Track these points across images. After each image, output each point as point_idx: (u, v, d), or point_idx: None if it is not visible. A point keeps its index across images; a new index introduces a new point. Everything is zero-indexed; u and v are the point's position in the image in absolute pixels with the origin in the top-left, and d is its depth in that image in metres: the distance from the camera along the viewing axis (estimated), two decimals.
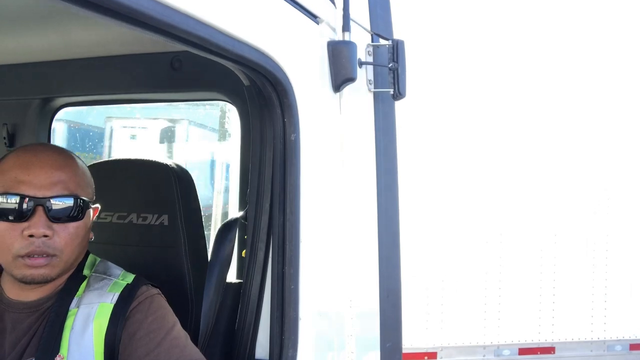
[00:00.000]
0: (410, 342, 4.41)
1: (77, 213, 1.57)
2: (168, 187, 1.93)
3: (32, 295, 1.60)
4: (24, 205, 1.51)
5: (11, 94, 2.58)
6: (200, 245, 2.00)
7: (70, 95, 2.66)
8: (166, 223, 1.90)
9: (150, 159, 2.03)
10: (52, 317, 1.57)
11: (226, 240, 1.80)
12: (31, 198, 1.52)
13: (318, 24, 1.56)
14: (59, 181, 1.56)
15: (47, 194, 1.53)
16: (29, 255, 1.51)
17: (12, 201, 1.51)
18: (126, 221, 1.94)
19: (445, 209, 4.75)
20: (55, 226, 1.54)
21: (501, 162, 4.79)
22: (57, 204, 1.54)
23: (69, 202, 1.56)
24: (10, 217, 1.52)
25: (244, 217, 1.74)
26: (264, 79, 1.39)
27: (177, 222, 1.90)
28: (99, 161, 2.13)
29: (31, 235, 1.51)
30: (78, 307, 1.58)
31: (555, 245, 4.83)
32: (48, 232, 1.52)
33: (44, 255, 1.53)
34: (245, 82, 1.44)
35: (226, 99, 2.50)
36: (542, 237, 4.84)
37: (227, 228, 1.81)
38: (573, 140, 4.83)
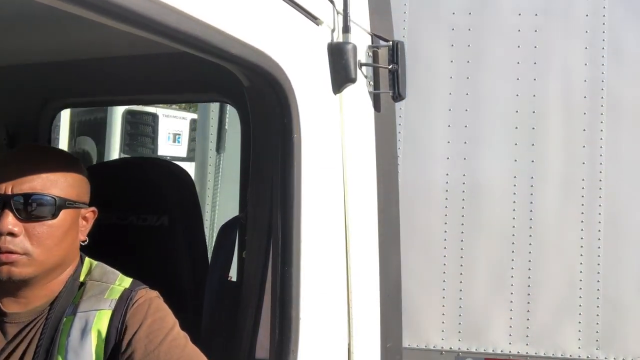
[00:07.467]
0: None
1: (47, 212, 1.54)
2: (168, 187, 1.94)
3: (27, 305, 1.59)
4: None
5: (11, 95, 2.59)
6: (200, 246, 2.00)
7: (70, 97, 2.66)
8: (166, 224, 1.90)
9: (150, 159, 2.03)
10: (48, 325, 1.55)
11: (226, 241, 1.80)
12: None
13: (318, 25, 1.56)
14: (31, 179, 1.53)
15: (16, 191, 1.51)
16: None
17: None
18: (126, 222, 1.94)
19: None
20: (26, 225, 1.51)
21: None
22: (26, 202, 1.51)
23: (39, 200, 1.53)
24: None
25: (244, 218, 1.74)
26: (263, 80, 1.40)
27: (178, 223, 1.91)
28: (100, 162, 2.13)
29: None
30: (75, 314, 1.56)
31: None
32: (14, 230, 1.49)
33: (13, 253, 1.49)
34: (246, 83, 1.44)
35: (226, 100, 2.51)
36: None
37: (228, 229, 1.81)
38: None
